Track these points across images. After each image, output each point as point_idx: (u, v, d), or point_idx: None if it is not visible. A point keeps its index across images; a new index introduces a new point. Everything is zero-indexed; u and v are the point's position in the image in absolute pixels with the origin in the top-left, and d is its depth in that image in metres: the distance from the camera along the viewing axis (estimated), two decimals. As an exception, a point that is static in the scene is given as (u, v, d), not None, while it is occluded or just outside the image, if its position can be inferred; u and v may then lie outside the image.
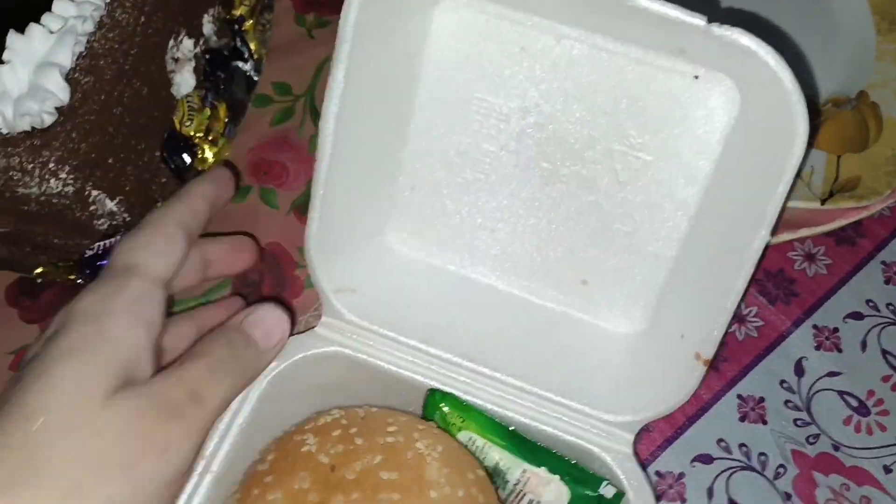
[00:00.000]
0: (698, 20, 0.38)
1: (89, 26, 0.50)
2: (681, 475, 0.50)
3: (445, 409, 0.46)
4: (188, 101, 0.58)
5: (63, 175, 0.49)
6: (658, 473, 0.50)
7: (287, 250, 0.57)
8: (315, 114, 0.62)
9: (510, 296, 0.50)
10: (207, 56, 0.61)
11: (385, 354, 0.47)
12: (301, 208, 0.58)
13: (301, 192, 0.59)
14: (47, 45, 0.48)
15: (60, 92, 0.48)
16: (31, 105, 0.46)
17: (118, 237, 0.54)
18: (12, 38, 0.48)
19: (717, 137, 0.44)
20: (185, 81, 0.59)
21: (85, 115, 0.49)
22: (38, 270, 0.54)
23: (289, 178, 0.59)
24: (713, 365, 0.48)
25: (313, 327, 0.48)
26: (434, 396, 0.46)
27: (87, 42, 0.50)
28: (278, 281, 0.56)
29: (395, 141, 0.47)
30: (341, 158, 0.45)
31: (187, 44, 0.59)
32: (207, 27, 0.62)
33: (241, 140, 0.61)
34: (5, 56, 0.47)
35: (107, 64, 0.51)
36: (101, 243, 0.54)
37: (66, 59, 0.48)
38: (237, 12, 0.63)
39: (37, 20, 0.49)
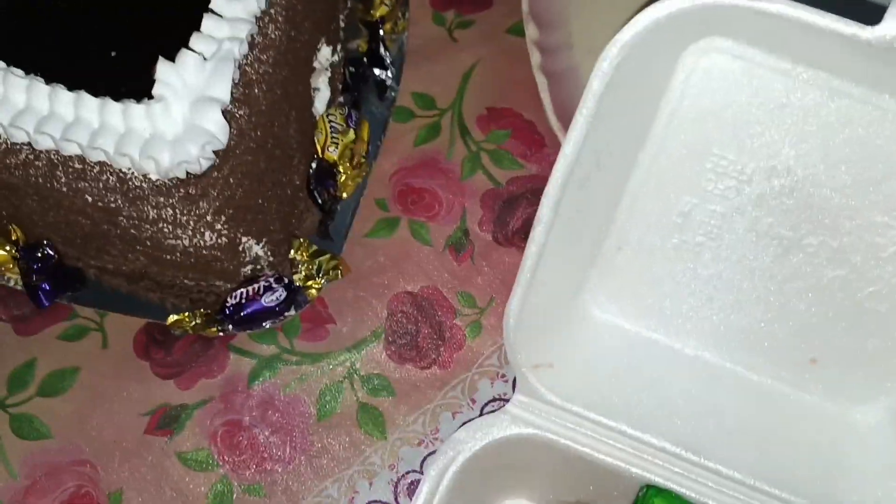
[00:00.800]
0: None
1: (244, 49, 0.43)
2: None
3: (661, 506, 0.40)
4: (330, 121, 0.51)
5: (218, 227, 0.43)
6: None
7: (444, 295, 0.50)
8: (465, 132, 0.55)
9: (724, 371, 0.43)
10: (350, 68, 0.54)
11: (589, 440, 0.41)
12: (457, 246, 0.52)
13: (456, 226, 0.52)
14: (203, 75, 0.41)
15: (220, 132, 0.41)
16: (189, 149, 0.40)
17: (261, 282, 0.48)
18: (164, 68, 0.40)
19: None
20: (321, 96, 0.52)
21: (242, 156, 0.43)
22: (173, 319, 0.48)
23: (441, 210, 0.53)
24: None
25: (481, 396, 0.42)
26: (648, 493, 0.41)
27: (240, 67, 0.43)
28: (436, 330, 0.50)
29: (610, 196, 0.41)
30: (556, 224, 0.38)
31: (325, 52, 0.52)
32: (343, 30, 0.55)
33: (383, 162, 0.54)
34: (156, 90, 0.40)
35: (261, 92, 0.44)
36: (243, 291, 0.47)
37: (225, 92, 0.41)
38: (377, 13, 0.56)
39: (184, 42, 0.42)
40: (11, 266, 0.48)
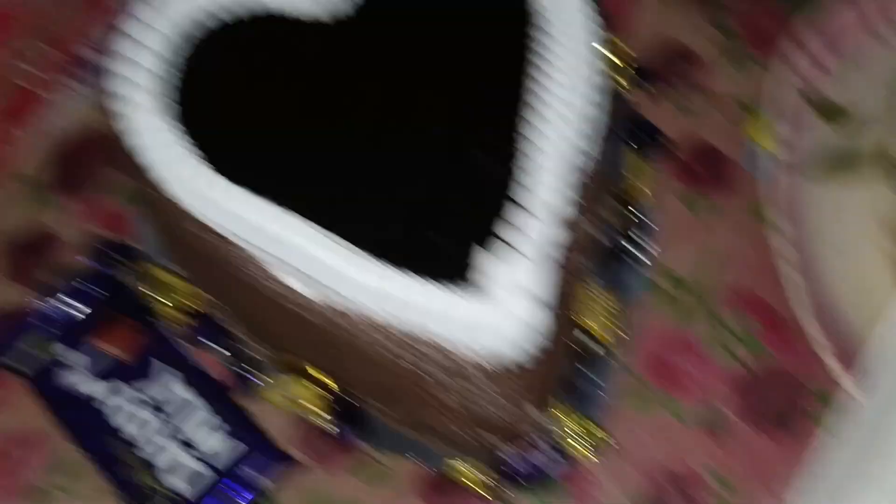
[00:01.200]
0: None
1: (561, 252, 0.47)
2: None
3: None
4: (589, 291, 0.56)
5: (522, 401, 0.48)
6: None
7: (702, 477, 0.54)
8: (713, 314, 0.59)
9: None
10: (606, 244, 0.59)
11: None
12: (711, 426, 0.56)
13: (707, 407, 0.56)
14: (526, 273, 0.46)
15: (545, 330, 0.45)
16: (516, 343, 0.45)
17: (535, 443, 0.53)
18: (489, 263, 0.45)
19: None
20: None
21: (555, 346, 0.48)
22: (455, 467, 0.53)
23: (693, 389, 0.57)
24: None
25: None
26: None
27: (558, 267, 0.48)
28: (688, 512, 0.54)
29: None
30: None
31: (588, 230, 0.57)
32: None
33: (637, 337, 0.59)
34: (485, 283, 0.45)
35: (570, 288, 0.49)
36: (518, 451, 0.52)
37: (549, 292, 0.46)
38: (629, 191, 0.61)
39: (483, 231, 0.47)
40: (320, 406, 0.55)
